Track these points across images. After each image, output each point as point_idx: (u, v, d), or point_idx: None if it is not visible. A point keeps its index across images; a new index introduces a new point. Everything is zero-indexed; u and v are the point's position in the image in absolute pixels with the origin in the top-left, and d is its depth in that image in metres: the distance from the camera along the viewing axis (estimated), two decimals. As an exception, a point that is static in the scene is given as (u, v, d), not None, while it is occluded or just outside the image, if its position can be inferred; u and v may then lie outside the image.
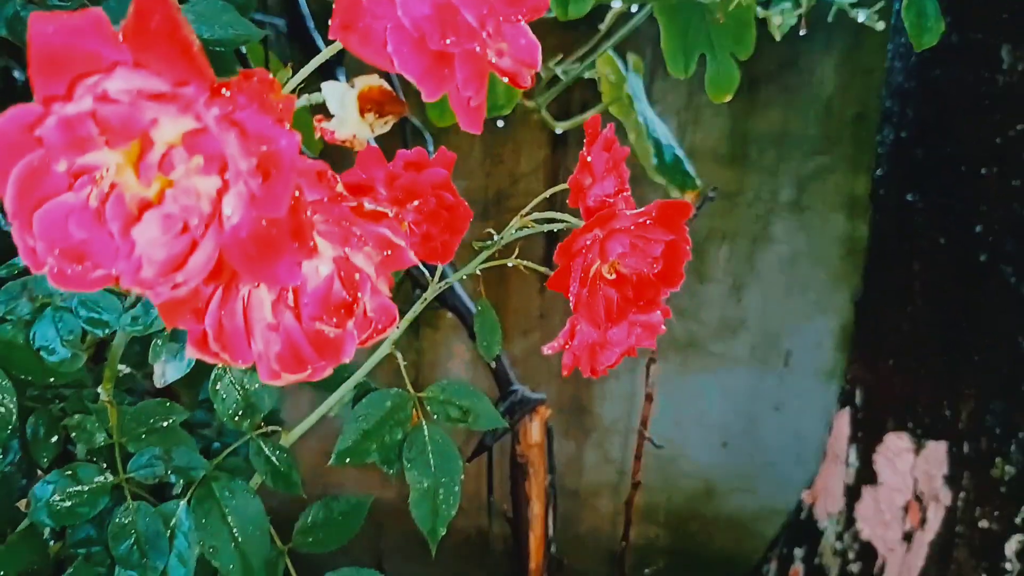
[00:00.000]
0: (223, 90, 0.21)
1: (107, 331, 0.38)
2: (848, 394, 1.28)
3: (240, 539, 0.45)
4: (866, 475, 1.19)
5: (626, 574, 0.97)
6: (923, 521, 1.09)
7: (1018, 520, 0.99)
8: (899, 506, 1.14)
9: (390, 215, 0.25)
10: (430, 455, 0.47)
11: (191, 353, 0.25)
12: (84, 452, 0.49)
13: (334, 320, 0.26)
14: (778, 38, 0.72)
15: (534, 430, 0.89)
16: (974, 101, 1.01)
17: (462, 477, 0.48)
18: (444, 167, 0.44)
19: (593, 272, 0.41)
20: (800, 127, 1.86)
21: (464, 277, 0.50)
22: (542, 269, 0.48)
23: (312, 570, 0.51)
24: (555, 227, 0.48)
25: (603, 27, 0.89)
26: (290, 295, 0.25)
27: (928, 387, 1.09)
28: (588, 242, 0.41)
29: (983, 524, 1.01)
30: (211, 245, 0.21)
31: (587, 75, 0.95)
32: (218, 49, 0.46)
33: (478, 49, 0.26)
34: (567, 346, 0.48)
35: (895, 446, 1.14)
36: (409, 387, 0.48)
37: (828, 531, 1.29)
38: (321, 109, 0.27)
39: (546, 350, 0.50)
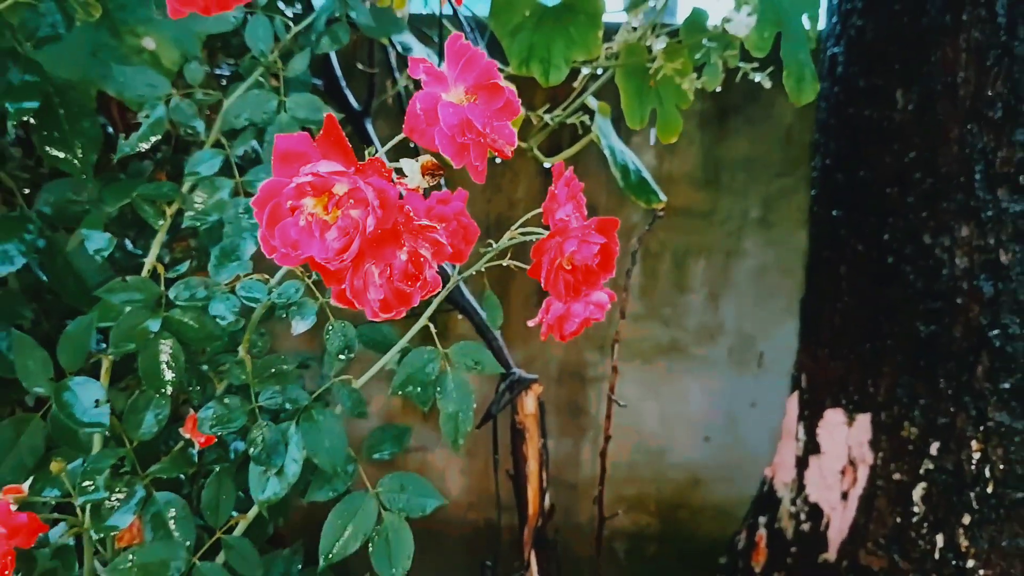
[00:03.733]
0: (362, 169, 0.46)
1: (259, 303, 0.62)
2: (796, 380, 1.51)
3: (329, 446, 0.69)
4: (811, 447, 1.42)
5: (603, 515, 1.20)
6: (855, 480, 1.32)
7: (921, 471, 1.21)
8: (837, 471, 1.37)
9: (439, 228, 0.50)
10: (453, 390, 0.71)
11: (334, 302, 0.50)
12: (223, 391, 0.74)
13: (408, 283, 0.50)
14: (691, 97, 0.97)
15: (529, 402, 1.13)
16: (878, 134, 1.25)
17: (474, 405, 0.72)
18: (461, 201, 0.69)
19: (556, 264, 0.65)
20: (764, 153, 2.09)
21: (471, 275, 0.74)
22: (524, 267, 0.72)
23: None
24: (533, 238, 0.73)
25: (577, 85, 1.14)
26: (388, 269, 0.49)
27: (856, 369, 1.32)
28: (552, 244, 0.65)
29: (896, 477, 1.24)
30: (358, 242, 0.46)
31: (568, 120, 1.20)
32: (311, 127, 0.71)
33: (483, 140, 0.51)
34: (543, 319, 0.73)
35: (833, 420, 1.37)
36: (439, 346, 0.72)
37: (784, 498, 1.52)
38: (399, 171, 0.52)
39: (531, 323, 0.74)
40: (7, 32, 0.68)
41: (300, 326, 0.60)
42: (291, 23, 0.74)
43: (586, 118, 1.21)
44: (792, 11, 0.90)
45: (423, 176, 0.51)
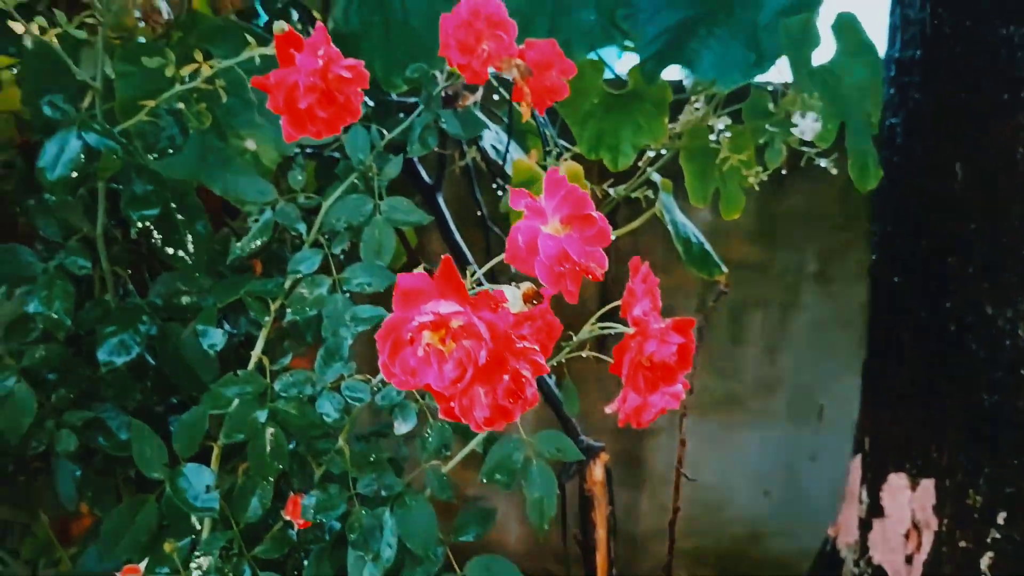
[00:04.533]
0: (476, 303, 0.51)
1: (361, 403, 0.67)
2: (859, 442, 1.52)
3: (421, 531, 0.74)
4: (875, 510, 1.43)
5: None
6: (919, 545, 1.32)
7: (988, 540, 1.22)
8: (901, 534, 1.37)
9: (536, 349, 0.55)
10: (538, 477, 0.75)
11: (442, 416, 0.54)
12: (320, 475, 0.79)
13: (511, 400, 0.55)
14: (755, 186, 1.01)
15: (597, 470, 1.16)
16: (939, 204, 1.27)
17: (557, 493, 0.76)
18: (546, 301, 0.73)
19: (636, 362, 0.69)
20: (821, 207, 2.10)
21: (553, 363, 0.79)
22: (605, 358, 0.76)
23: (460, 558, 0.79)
24: (612, 331, 0.77)
25: (641, 164, 1.19)
26: (493, 389, 0.54)
27: (919, 435, 1.33)
28: (633, 344, 0.69)
29: (962, 544, 1.25)
30: (471, 371, 0.50)
31: (632, 195, 1.25)
32: (405, 227, 0.77)
33: (577, 268, 0.56)
34: (621, 408, 0.77)
35: (896, 484, 1.38)
36: (523, 435, 0.77)
37: (847, 559, 1.52)
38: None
39: (608, 409, 0.78)
40: (132, 146, 0.74)
41: (402, 427, 0.65)
42: (384, 131, 0.80)
43: (648, 192, 1.25)
44: (854, 103, 0.94)
45: (524, 301, 0.55)
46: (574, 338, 0.78)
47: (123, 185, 0.77)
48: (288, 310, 0.77)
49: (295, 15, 1.11)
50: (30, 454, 0.87)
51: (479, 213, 1.44)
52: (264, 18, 1.18)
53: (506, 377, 0.54)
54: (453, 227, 1.23)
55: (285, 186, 0.84)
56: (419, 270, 0.51)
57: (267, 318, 0.78)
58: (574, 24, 0.97)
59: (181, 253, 0.80)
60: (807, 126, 0.86)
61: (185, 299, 0.85)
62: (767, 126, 1.01)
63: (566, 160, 1.15)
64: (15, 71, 1.16)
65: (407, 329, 0.50)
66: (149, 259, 0.95)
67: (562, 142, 1.22)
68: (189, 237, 0.81)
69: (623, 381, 0.71)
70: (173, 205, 0.80)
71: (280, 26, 0.62)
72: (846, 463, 1.74)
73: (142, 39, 0.93)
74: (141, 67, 0.81)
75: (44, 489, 1.00)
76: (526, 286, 0.56)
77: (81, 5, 1.10)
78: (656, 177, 1.22)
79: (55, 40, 0.65)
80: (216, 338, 0.75)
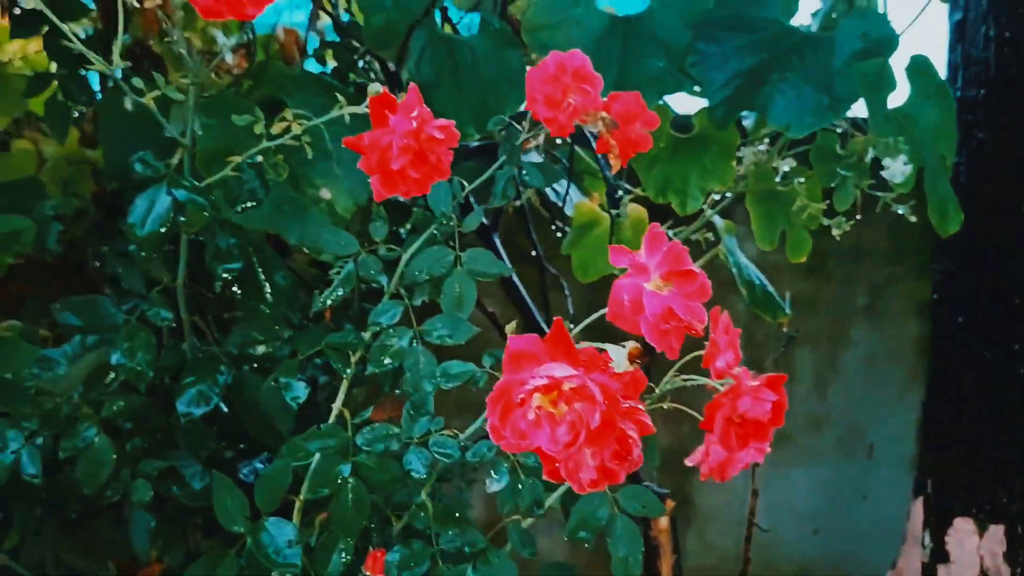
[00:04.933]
0: (588, 365, 0.50)
1: (452, 460, 0.67)
2: (921, 484, 1.49)
3: (505, 587, 0.73)
4: (940, 555, 1.39)
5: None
6: (991, 594, 1.29)
7: (1068, 591, 1.18)
8: (970, 582, 1.34)
9: (642, 408, 0.54)
10: (622, 534, 0.74)
11: (546, 477, 0.54)
12: (397, 533, 0.78)
13: (617, 462, 0.54)
14: (837, 237, 1.00)
15: (662, 518, 1.14)
16: (1004, 242, 1.25)
17: (643, 549, 0.74)
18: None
19: (728, 418, 0.68)
20: (872, 241, 2.08)
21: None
22: (689, 411, 0.75)
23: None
24: (694, 383, 0.76)
25: (705, 207, 1.18)
26: (600, 452, 0.53)
27: (986, 478, 1.30)
28: (725, 400, 0.68)
29: (1039, 595, 1.21)
30: (584, 434, 0.50)
31: (692, 237, 1.24)
32: (487, 280, 0.77)
33: (682, 325, 0.55)
34: (704, 461, 0.76)
35: (963, 529, 1.34)
36: (608, 491, 0.75)
37: (911, 606, 1.48)
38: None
39: (689, 462, 0.77)
40: (217, 201, 0.75)
41: (494, 485, 0.65)
42: (464, 183, 0.80)
43: (709, 234, 1.25)
44: (930, 145, 0.93)
45: (629, 361, 0.55)
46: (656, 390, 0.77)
47: (206, 238, 0.78)
48: (369, 362, 0.77)
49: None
50: (105, 504, 0.88)
51: (534, 253, 1.43)
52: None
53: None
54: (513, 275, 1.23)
55: (357, 229, 0.84)
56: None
57: (348, 370, 0.78)
58: (643, 71, 0.97)
59: (263, 307, 0.80)
60: (896, 170, 0.84)
61: (261, 348, 0.85)
62: (839, 169, 0.99)
63: (629, 203, 1.15)
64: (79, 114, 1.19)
65: (519, 392, 0.49)
66: (218, 307, 0.96)
67: (623, 184, 1.21)
68: (268, 288, 0.81)
69: (716, 440, 0.70)
70: (254, 257, 0.80)
71: (375, 88, 0.62)
72: (898, 502, 1.71)
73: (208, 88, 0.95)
74: (223, 120, 0.82)
75: (112, 536, 1.00)
76: (631, 345, 0.56)
77: (156, 57, 1.12)
78: (718, 220, 1.21)
79: (152, 103, 0.66)
80: (299, 391, 0.75)
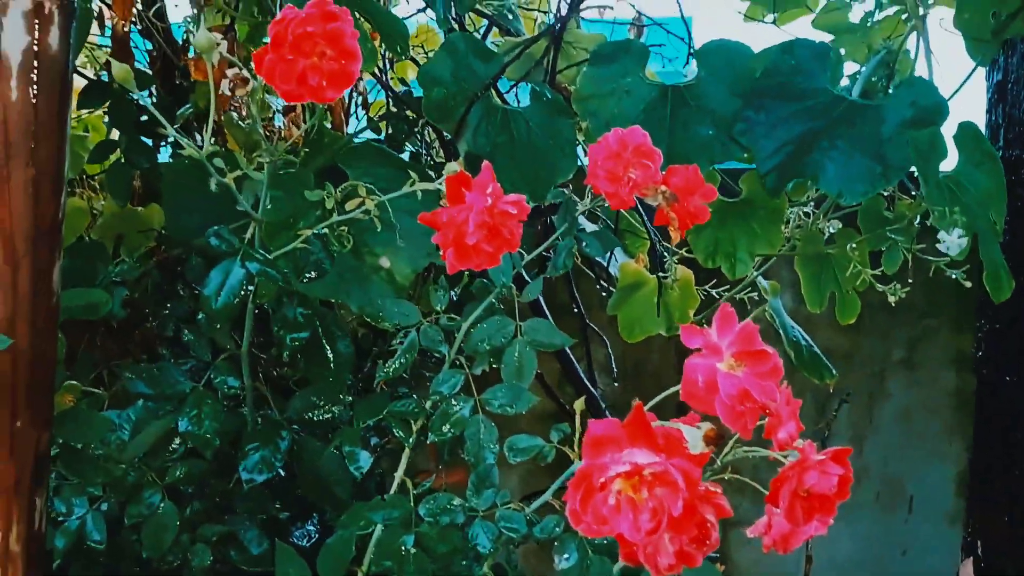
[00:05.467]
0: (669, 450, 0.51)
1: (519, 535, 0.67)
2: (970, 545, 1.46)
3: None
4: (993, 618, 1.37)
5: None
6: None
7: None
8: (1025, 647, 1.31)
9: (720, 492, 0.54)
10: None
11: (622, 560, 0.54)
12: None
13: (696, 546, 0.54)
14: (893, 303, 1.00)
15: (712, 581, 1.13)
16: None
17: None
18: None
19: (794, 492, 0.68)
20: (907, 294, 2.07)
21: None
22: (756, 485, 0.75)
23: None
24: (755, 454, 0.76)
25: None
26: (679, 537, 0.54)
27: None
28: (792, 474, 0.68)
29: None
30: (666, 521, 0.50)
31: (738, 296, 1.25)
32: (548, 350, 0.78)
33: (757, 406, 0.56)
34: (767, 533, 0.75)
35: (1016, 592, 1.32)
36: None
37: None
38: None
39: (750, 533, 0.77)
40: (285, 271, 0.77)
41: (564, 562, 0.65)
42: (524, 253, 0.82)
43: (753, 294, 1.25)
44: (982, 212, 0.94)
45: (705, 443, 0.55)
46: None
47: (275, 308, 0.80)
48: (430, 432, 0.78)
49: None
50: (165, 568, 0.89)
51: (575, 310, 1.44)
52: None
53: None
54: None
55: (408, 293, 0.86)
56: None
57: (410, 439, 0.79)
58: (692, 139, 0.99)
59: (326, 374, 0.82)
60: (953, 243, 0.85)
61: (322, 415, 0.87)
62: (888, 232, 1.00)
63: (674, 265, 1.16)
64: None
65: (600, 477, 0.50)
66: (277, 372, 0.97)
67: (668, 245, 1.23)
68: (334, 361, 0.83)
69: (782, 514, 0.70)
70: (319, 326, 0.82)
71: (452, 167, 0.64)
72: (938, 556, 1.67)
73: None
74: (288, 192, 0.85)
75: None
76: (707, 427, 0.56)
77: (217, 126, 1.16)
78: (763, 281, 1.22)
79: (232, 182, 0.69)
80: (364, 461, 0.76)
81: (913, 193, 1.07)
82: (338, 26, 0.63)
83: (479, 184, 0.65)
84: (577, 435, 0.64)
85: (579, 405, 0.62)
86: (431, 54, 1.19)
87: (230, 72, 0.64)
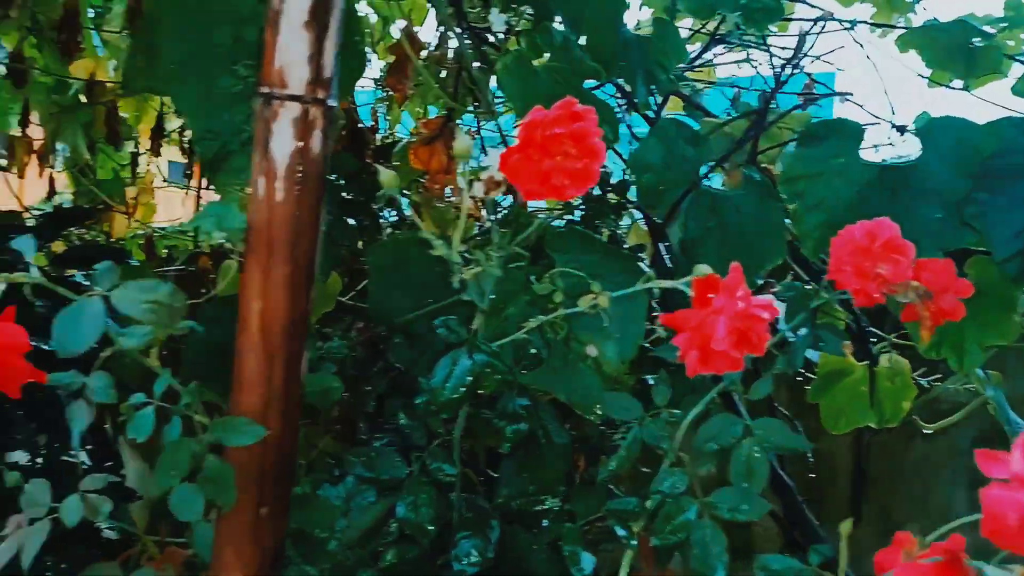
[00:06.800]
0: None
1: None
2: None
3: None
4: None
5: None
6: None
7: None
8: None
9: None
10: None
11: None
12: None
13: None
14: None
15: None
16: None
17: None
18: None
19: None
20: None
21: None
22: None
23: None
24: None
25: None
26: None
27: None
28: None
29: None
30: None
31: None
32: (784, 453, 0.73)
33: None
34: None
35: None
36: None
37: None
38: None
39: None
40: (507, 363, 0.77)
41: None
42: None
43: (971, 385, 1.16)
44: None
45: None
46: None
47: (496, 399, 0.80)
48: (653, 536, 0.75)
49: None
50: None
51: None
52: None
53: None
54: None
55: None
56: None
57: (633, 541, 0.76)
58: (918, 224, 0.93)
59: (545, 471, 0.81)
60: None
61: (530, 506, 0.85)
62: None
63: (888, 354, 1.09)
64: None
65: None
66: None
67: (875, 330, 1.16)
68: (550, 454, 0.81)
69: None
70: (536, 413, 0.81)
71: (702, 269, 0.62)
72: None
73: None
74: (504, 283, 0.85)
75: None
76: (1020, 570, 0.51)
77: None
78: (980, 372, 1.13)
79: (476, 278, 0.69)
80: (587, 563, 0.73)
81: None
82: (583, 126, 0.63)
83: (728, 287, 0.62)
84: (843, 561, 0.59)
85: (846, 528, 0.58)
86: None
87: (483, 175, 0.64)
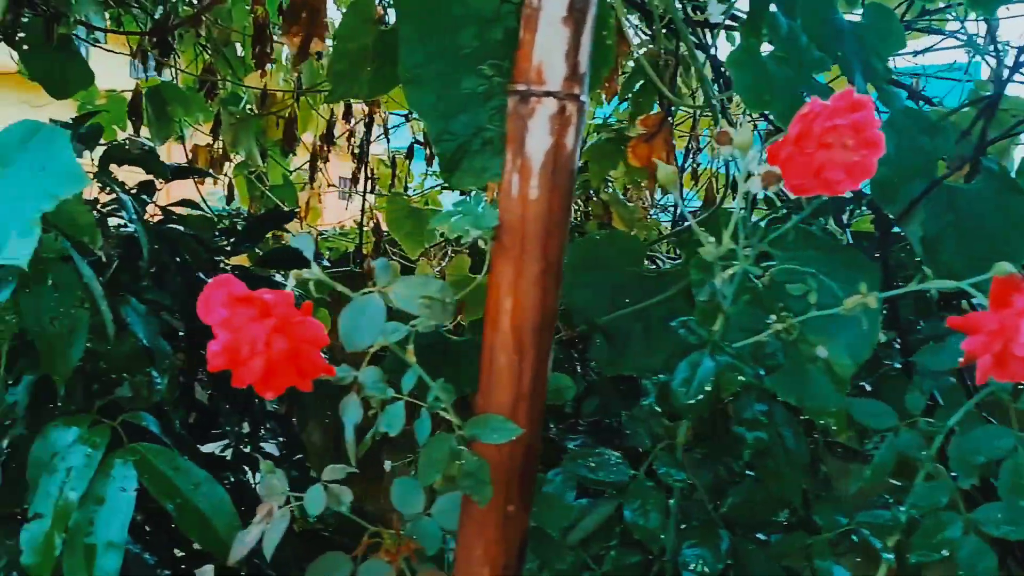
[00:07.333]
0: None
1: None
2: None
3: None
4: None
5: None
6: None
7: None
8: None
9: None
10: None
11: None
12: None
13: None
14: None
15: None
16: None
17: None
18: None
19: None
20: None
21: None
22: None
23: None
24: None
25: None
26: None
27: None
28: None
29: None
30: None
31: None
32: None
33: None
34: None
35: None
36: None
37: None
38: None
39: None
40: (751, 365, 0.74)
41: None
42: None
43: None
44: None
45: None
46: None
47: (736, 405, 0.77)
48: (911, 553, 0.70)
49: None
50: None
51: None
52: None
53: None
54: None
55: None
56: None
57: (888, 555, 0.71)
58: None
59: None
60: None
61: (764, 516, 0.81)
62: None
63: None
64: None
65: None
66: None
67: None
68: (784, 453, 0.78)
69: None
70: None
71: (1003, 267, 0.57)
72: None
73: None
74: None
75: None
76: None
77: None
78: None
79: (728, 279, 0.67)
80: (842, 578, 0.69)
81: None
82: (864, 115, 0.60)
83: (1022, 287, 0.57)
84: None
85: None
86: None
87: (760, 169, 0.61)
